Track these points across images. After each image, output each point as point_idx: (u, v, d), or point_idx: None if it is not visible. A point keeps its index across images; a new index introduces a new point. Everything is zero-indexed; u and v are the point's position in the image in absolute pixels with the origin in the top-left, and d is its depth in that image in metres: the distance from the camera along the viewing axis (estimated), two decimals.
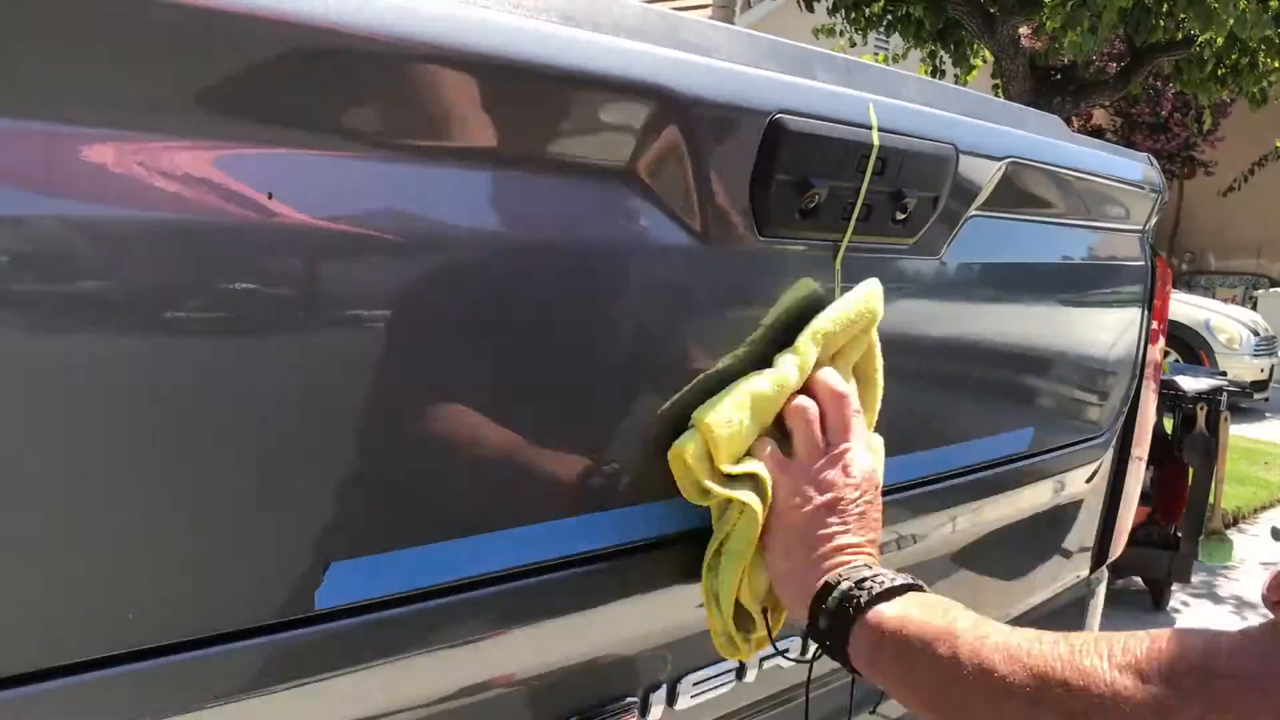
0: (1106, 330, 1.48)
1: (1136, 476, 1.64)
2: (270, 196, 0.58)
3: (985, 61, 7.99)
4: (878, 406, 0.97)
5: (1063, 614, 1.58)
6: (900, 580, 0.80)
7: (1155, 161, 1.52)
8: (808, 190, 0.85)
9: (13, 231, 0.50)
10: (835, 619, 0.79)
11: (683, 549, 0.88)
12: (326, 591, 0.65)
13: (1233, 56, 7.04)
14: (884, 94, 0.95)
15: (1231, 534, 4.65)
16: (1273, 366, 8.61)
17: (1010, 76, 7.10)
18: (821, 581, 0.81)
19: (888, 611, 0.77)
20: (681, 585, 0.90)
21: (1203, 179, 14.34)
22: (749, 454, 0.86)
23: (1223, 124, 12.88)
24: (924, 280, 1.09)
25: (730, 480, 0.84)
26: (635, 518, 0.84)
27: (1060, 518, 1.51)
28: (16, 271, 0.50)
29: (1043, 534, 1.49)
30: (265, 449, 0.61)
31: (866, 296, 0.94)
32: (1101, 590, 1.68)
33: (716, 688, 0.97)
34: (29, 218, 0.51)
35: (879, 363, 0.97)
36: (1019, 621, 1.47)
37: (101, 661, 0.56)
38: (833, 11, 7.68)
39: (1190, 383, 3.90)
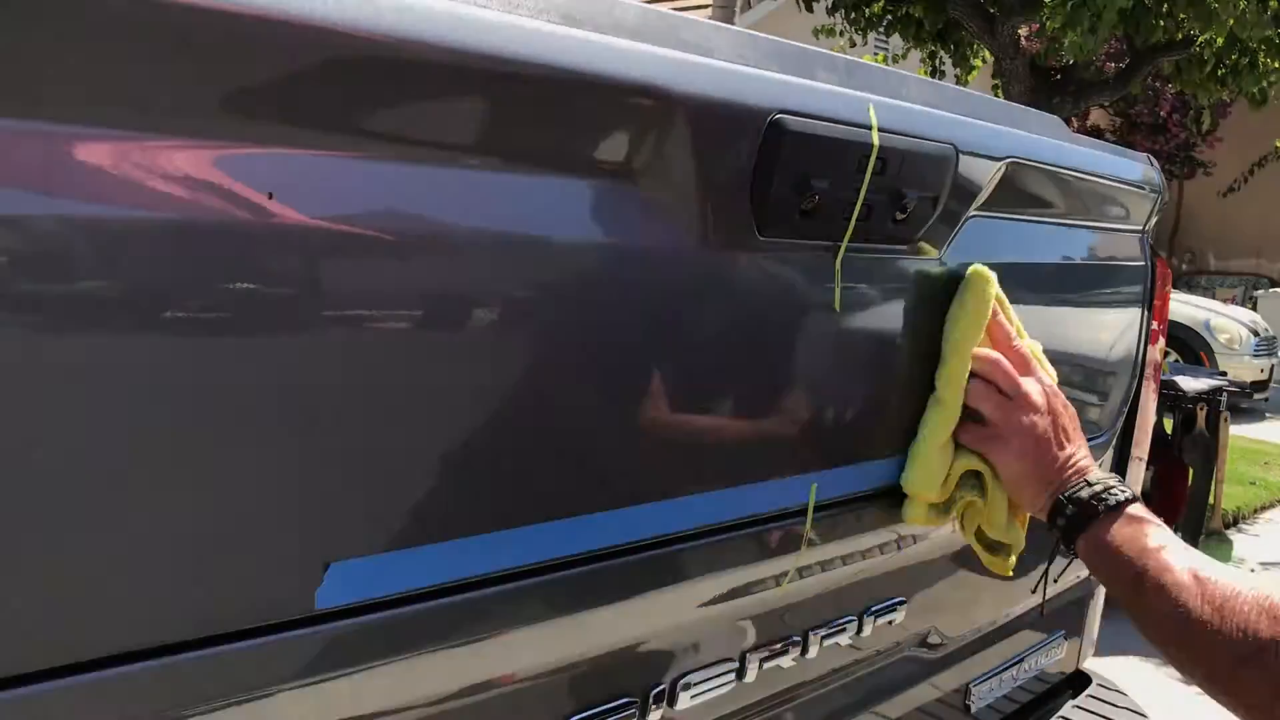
0: (1106, 330, 1.48)
1: (1136, 476, 1.64)
2: (270, 196, 0.58)
3: (985, 62, 7.99)
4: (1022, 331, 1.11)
5: (1063, 614, 1.58)
6: (1116, 497, 1.00)
7: (1155, 161, 1.52)
8: (808, 190, 0.85)
9: (13, 231, 0.50)
10: (1068, 529, 1.02)
11: (682, 549, 0.88)
12: (326, 591, 0.65)
13: (1233, 56, 7.04)
14: (884, 94, 0.95)
15: (1231, 534, 4.65)
16: (1273, 366, 8.61)
17: (1010, 77, 7.11)
18: (1054, 499, 1.03)
19: (1105, 526, 0.99)
20: (682, 585, 0.90)
21: (1202, 179, 14.34)
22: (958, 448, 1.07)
23: (1222, 124, 12.87)
24: (924, 280, 1.08)
25: (959, 488, 1.07)
26: (634, 518, 0.84)
27: None
28: (16, 271, 0.50)
29: (1043, 534, 1.49)
30: (265, 448, 0.61)
31: (982, 285, 1.05)
32: (1102, 590, 1.68)
33: (716, 688, 0.96)
34: (29, 218, 0.51)
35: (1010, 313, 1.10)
36: (1020, 621, 1.47)
37: (100, 662, 0.56)
38: (832, 11, 7.68)
39: (1190, 383, 3.90)
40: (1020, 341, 1.09)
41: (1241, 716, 0.86)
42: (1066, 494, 1.02)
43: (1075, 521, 1.01)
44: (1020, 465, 1.05)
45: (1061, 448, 1.05)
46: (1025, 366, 1.08)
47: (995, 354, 1.06)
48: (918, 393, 1.07)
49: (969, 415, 1.06)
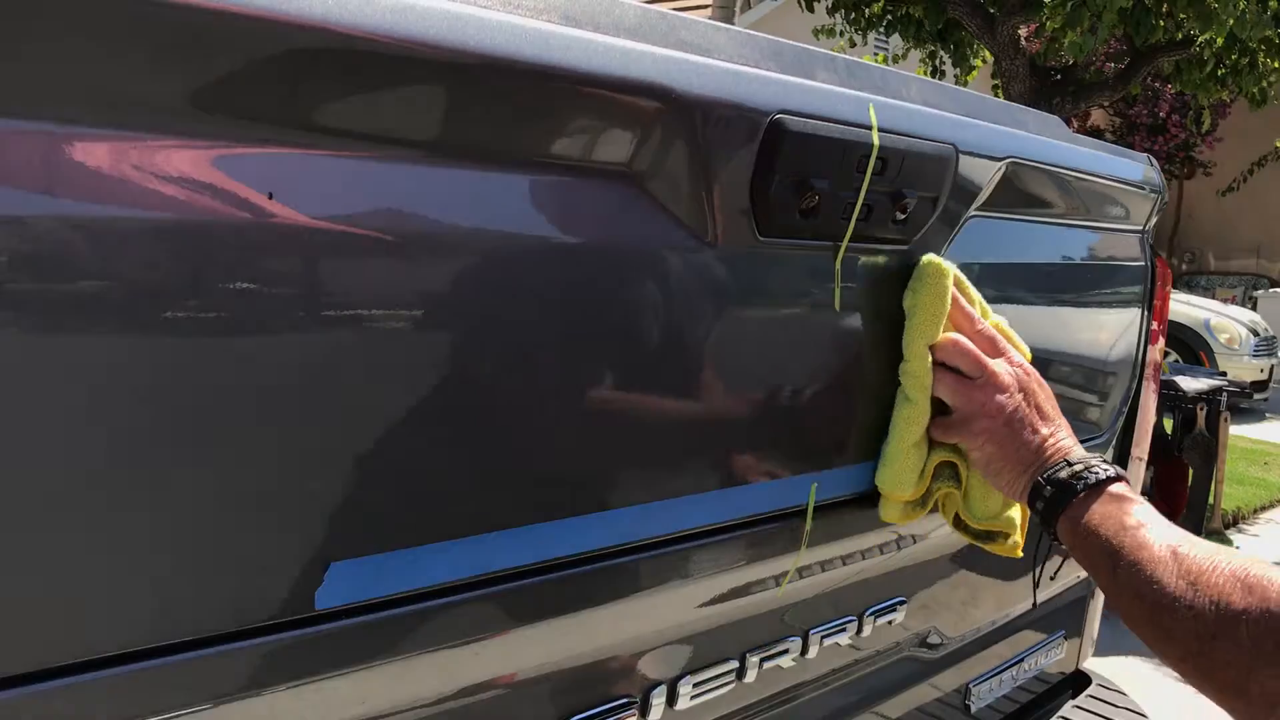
0: (1106, 330, 1.48)
1: (1136, 476, 1.64)
2: (270, 197, 0.58)
3: (985, 62, 8.00)
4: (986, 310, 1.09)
5: (1063, 613, 1.58)
6: (1097, 475, 0.96)
7: (1155, 162, 1.52)
8: (808, 190, 0.85)
9: (13, 231, 0.50)
10: (1046, 511, 0.99)
11: (682, 549, 0.88)
12: (326, 591, 0.65)
13: (1233, 56, 7.04)
14: (884, 94, 0.95)
15: (1231, 534, 4.65)
16: (1273, 366, 8.61)
17: (1010, 76, 7.11)
18: (1033, 481, 1.00)
19: (1084, 505, 0.95)
20: (682, 585, 0.90)
21: (1202, 179, 14.34)
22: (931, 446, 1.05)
23: (1222, 124, 12.88)
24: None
25: (935, 479, 1.07)
26: (637, 517, 0.84)
27: None
28: (16, 271, 0.50)
29: (1043, 533, 1.49)
30: (265, 449, 0.61)
31: (937, 277, 1.01)
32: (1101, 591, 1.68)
33: (717, 688, 0.96)
34: (29, 218, 0.51)
35: (973, 294, 1.07)
36: (1020, 620, 1.47)
37: (101, 661, 0.56)
38: (833, 11, 7.69)
39: (1190, 383, 3.90)
40: (985, 323, 1.06)
41: (1216, 697, 0.82)
42: (1045, 475, 0.99)
43: (1053, 502, 0.97)
44: (991, 448, 1.01)
45: (1036, 429, 1.01)
46: (992, 348, 1.04)
47: (956, 337, 1.03)
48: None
49: (940, 408, 1.04)
